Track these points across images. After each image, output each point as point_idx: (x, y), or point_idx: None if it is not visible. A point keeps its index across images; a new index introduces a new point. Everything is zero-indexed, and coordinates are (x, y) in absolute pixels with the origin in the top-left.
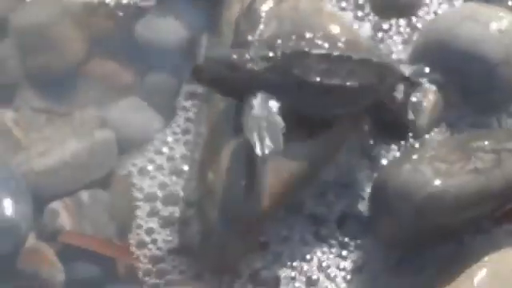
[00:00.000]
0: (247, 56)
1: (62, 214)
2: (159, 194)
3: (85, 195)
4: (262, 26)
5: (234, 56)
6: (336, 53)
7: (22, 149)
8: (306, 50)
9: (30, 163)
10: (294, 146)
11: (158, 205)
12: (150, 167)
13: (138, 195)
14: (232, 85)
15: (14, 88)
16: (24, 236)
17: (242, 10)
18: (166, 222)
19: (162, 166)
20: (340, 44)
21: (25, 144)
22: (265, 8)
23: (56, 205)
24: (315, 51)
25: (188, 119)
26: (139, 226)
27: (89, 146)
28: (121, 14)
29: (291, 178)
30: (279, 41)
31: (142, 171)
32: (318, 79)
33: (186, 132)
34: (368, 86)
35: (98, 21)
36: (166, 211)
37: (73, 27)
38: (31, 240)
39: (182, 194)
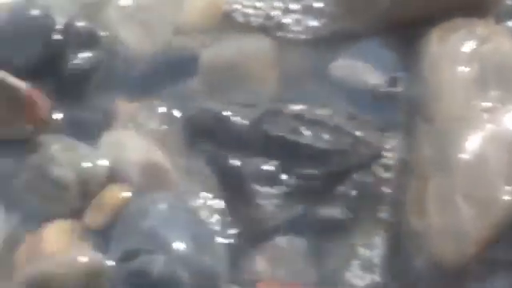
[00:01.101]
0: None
1: (259, 260)
2: None
3: (282, 240)
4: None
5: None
6: (308, 116)
7: None
8: (280, 109)
9: None
10: None
11: None
12: None
13: None
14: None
15: None
16: (220, 280)
17: None
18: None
19: None
20: None
21: None
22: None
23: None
24: (287, 111)
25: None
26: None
27: None
28: (315, 53)
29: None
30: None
31: None
32: (282, 134)
33: None
34: (338, 152)
35: (290, 60)
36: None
37: (265, 66)
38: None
39: None
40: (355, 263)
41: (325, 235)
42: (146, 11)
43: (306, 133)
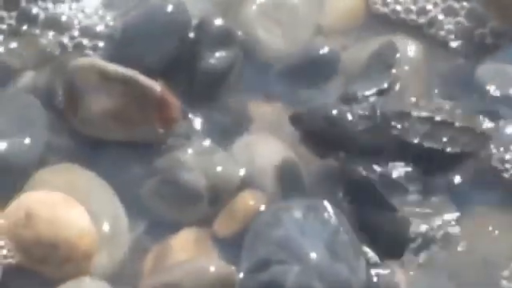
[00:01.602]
0: (348, 114)
1: (398, 273)
2: None
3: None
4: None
5: (334, 111)
6: (438, 117)
7: None
8: (407, 111)
9: None
10: None
11: None
12: None
13: None
14: (329, 140)
15: None
16: None
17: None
18: None
19: None
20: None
21: None
22: None
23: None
24: (416, 113)
25: None
26: None
27: None
28: (463, 55)
29: None
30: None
31: None
32: (418, 141)
33: None
34: (468, 154)
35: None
36: None
37: (407, 68)
38: None
39: None
40: None
41: None
42: (284, 10)
43: (439, 137)
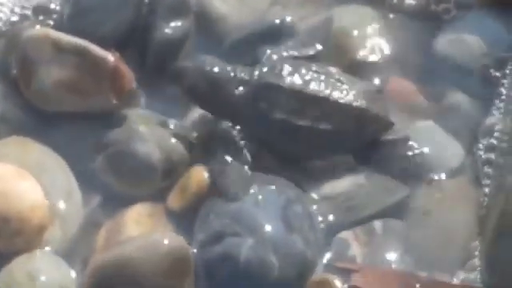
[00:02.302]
0: (231, 75)
1: (353, 245)
2: None
3: (377, 225)
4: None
5: (216, 70)
6: (310, 91)
7: None
8: (280, 84)
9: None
10: None
11: None
12: None
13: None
14: (208, 102)
15: None
16: (311, 266)
17: None
18: None
19: None
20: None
21: None
22: None
23: (346, 234)
24: (288, 86)
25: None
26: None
27: None
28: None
29: None
30: (265, 68)
31: None
32: (284, 117)
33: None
34: (343, 132)
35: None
36: None
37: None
38: (319, 271)
39: None
40: None
41: None
42: None
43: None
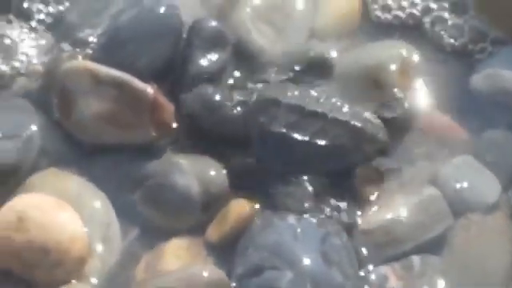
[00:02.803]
0: (227, 100)
1: (391, 279)
2: None
3: (415, 259)
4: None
5: (217, 96)
6: (310, 107)
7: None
8: (278, 98)
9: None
10: None
11: None
12: None
13: None
14: (207, 127)
15: None
16: None
17: None
18: None
19: None
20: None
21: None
22: None
23: (384, 269)
24: (287, 101)
25: None
26: None
27: (417, 204)
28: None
29: None
30: (260, 85)
31: None
32: (283, 130)
33: None
34: (338, 149)
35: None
36: None
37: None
38: None
39: None
40: None
41: None
42: (278, 12)
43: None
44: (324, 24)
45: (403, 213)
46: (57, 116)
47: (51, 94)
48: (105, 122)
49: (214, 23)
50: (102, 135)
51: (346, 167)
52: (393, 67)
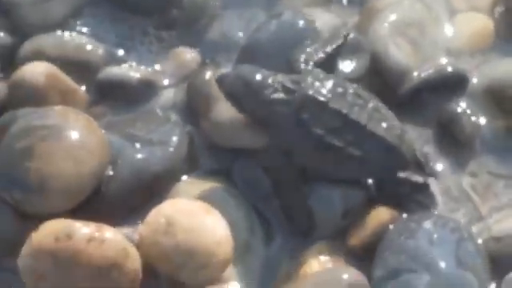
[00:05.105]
0: (270, 81)
1: None
2: None
3: None
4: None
5: (258, 77)
6: (353, 116)
7: (481, 217)
8: (325, 101)
9: (489, 230)
10: None
11: None
12: None
13: None
14: (245, 105)
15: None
16: None
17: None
18: None
19: None
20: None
21: (483, 211)
22: None
23: None
24: (333, 106)
25: None
26: None
27: None
28: None
29: None
30: (310, 80)
31: None
32: (321, 133)
33: None
34: (369, 161)
35: None
36: None
37: None
38: None
39: None
40: None
41: None
42: (415, 28)
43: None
44: (459, 41)
45: None
46: (200, 121)
47: (195, 102)
48: (243, 126)
49: (352, 33)
50: (240, 139)
51: None
52: None
